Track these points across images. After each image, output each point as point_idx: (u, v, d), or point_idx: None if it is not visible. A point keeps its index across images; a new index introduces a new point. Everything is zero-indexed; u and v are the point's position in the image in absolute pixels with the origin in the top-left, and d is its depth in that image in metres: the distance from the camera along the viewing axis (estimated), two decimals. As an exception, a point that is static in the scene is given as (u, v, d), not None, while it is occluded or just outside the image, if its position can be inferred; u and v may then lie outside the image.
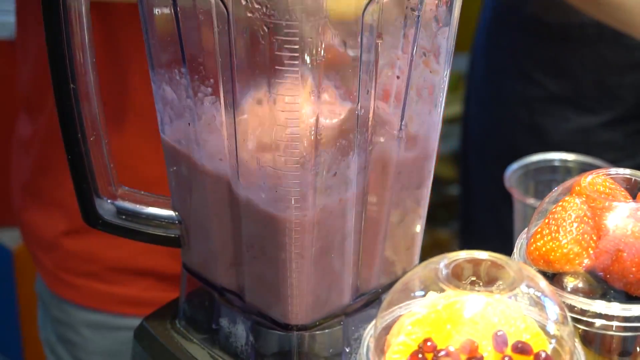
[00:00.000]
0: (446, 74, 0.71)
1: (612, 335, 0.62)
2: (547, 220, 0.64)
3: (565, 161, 1.13)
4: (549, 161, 1.13)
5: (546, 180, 1.12)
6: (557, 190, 0.66)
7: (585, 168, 1.09)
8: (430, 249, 0.70)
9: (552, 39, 1.47)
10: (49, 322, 1.08)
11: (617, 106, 1.48)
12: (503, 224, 1.33)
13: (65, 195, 0.97)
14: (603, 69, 1.46)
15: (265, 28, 0.62)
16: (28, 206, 1.06)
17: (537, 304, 0.58)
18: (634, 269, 0.61)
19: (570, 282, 0.63)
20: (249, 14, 0.62)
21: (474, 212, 1.67)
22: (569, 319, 0.59)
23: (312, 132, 0.65)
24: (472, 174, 1.66)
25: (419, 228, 0.77)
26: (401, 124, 0.70)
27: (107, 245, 1.00)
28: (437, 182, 1.34)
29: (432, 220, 1.52)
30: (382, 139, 0.70)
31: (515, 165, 1.12)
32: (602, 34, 1.43)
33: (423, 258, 0.78)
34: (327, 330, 0.73)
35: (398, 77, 0.69)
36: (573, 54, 1.46)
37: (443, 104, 0.73)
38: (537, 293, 0.58)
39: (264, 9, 0.62)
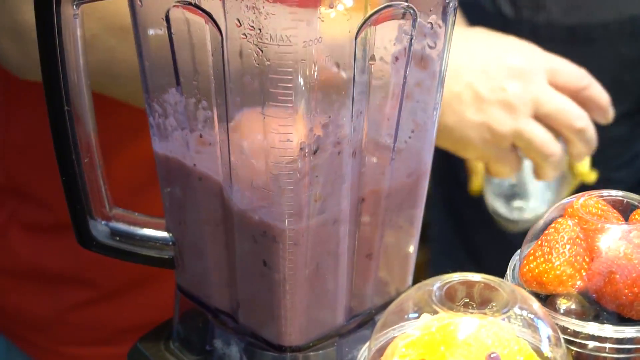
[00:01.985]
0: (439, 95, 0.72)
1: (605, 357, 0.62)
2: (539, 242, 0.64)
3: None
4: None
5: None
6: (549, 211, 0.66)
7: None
8: (424, 268, 0.71)
9: (569, 42, 1.45)
10: None
11: (629, 101, 1.47)
12: None
13: (67, 267, 0.96)
14: (620, 66, 1.46)
15: (258, 51, 0.63)
16: (11, 289, 1.02)
17: (530, 325, 0.59)
18: (626, 290, 0.61)
19: (563, 303, 0.63)
20: (243, 37, 0.62)
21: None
22: (562, 340, 0.59)
23: (306, 154, 0.65)
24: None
25: (412, 248, 0.77)
26: (394, 145, 0.70)
27: (114, 309, 0.99)
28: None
29: (425, 239, 1.53)
30: (375, 160, 0.71)
31: None
32: (623, 31, 1.43)
33: (416, 276, 0.78)
34: (320, 352, 0.73)
35: (391, 99, 0.69)
36: (591, 55, 1.44)
37: (436, 124, 0.73)
38: (530, 315, 0.58)
39: (257, 32, 0.62)
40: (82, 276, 0.98)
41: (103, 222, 0.74)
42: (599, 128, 1.40)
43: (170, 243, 0.75)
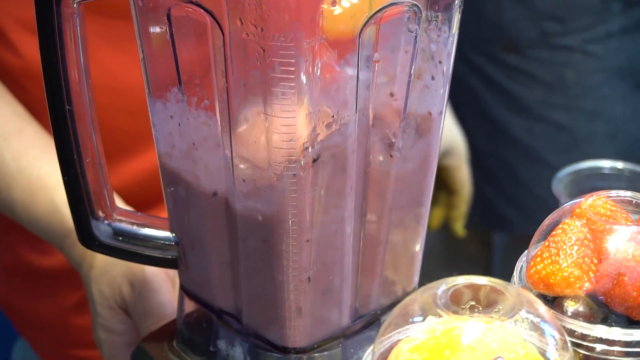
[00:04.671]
0: (445, 93, 0.71)
1: (613, 360, 0.61)
2: (547, 243, 0.63)
3: (616, 169, 1.12)
4: (598, 168, 1.12)
5: (597, 187, 1.10)
6: (557, 212, 0.65)
7: (634, 178, 1.09)
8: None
9: None
10: None
11: None
12: None
13: (65, 266, 0.95)
14: None
15: (260, 49, 0.62)
16: (15, 288, 1.03)
17: (537, 329, 0.58)
18: (635, 293, 0.60)
19: (570, 306, 0.62)
20: (245, 36, 0.62)
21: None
22: (569, 344, 0.58)
23: (309, 153, 0.64)
24: None
25: (418, 247, 0.76)
26: (400, 143, 0.69)
27: None
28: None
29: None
30: (380, 158, 0.70)
31: (564, 172, 1.11)
32: None
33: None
34: (325, 353, 0.72)
35: (396, 96, 0.68)
36: None
37: (443, 121, 0.72)
38: (536, 318, 0.57)
39: (260, 31, 0.61)
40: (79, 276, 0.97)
41: (105, 222, 0.73)
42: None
43: (174, 243, 0.74)
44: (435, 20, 0.66)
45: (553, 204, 1.49)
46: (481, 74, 1.56)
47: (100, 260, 0.82)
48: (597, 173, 1.11)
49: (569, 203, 0.65)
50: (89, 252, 0.81)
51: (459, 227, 1.50)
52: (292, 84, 0.62)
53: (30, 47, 0.89)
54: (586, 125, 1.52)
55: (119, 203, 0.79)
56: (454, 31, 0.67)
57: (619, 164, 1.10)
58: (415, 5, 0.64)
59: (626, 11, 1.50)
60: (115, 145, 0.94)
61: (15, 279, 1.03)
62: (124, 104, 0.93)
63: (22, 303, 1.03)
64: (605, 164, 1.11)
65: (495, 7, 1.52)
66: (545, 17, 1.49)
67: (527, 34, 1.51)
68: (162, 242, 0.74)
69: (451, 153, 1.40)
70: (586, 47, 1.50)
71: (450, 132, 1.40)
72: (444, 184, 1.45)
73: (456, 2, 0.66)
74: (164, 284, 0.82)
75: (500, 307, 0.57)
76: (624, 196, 0.65)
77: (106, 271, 0.82)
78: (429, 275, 0.68)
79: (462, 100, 1.54)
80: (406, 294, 0.76)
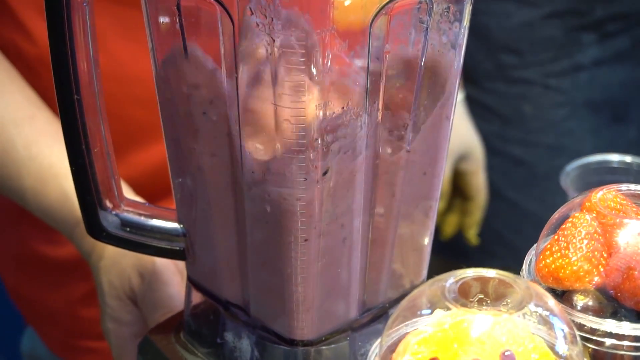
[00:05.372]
0: (456, 86, 0.70)
1: (622, 355, 0.61)
2: (556, 237, 0.63)
3: (624, 162, 1.11)
4: (607, 162, 1.11)
5: (605, 181, 1.10)
6: (566, 205, 0.65)
7: None
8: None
9: None
10: None
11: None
12: None
13: (74, 256, 0.95)
14: None
15: (270, 40, 0.61)
16: (25, 279, 1.03)
17: (546, 322, 0.57)
18: (645, 287, 0.60)
19: (580, 300, 0.61)
20: (255, 26, 0.61)
21: None
22: (578, 338, 0.58)
23: (318, 144, 0.64)
24: None
25: (427, 240, 0.76)
26: (409, 136, 0.69)
27: None
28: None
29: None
30: (389, 150, 0.69)
31: (572, 165, 1.10)
32: None
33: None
34: (333, 346, 0.72)
35: (406, 89, 0.68)
36: None
37: (453, 114, 0.72)
38: (545, 312, 0.57)
39: (270, 21, 0.61)
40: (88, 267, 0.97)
41: (113, 213, 0.73)
42: (532, 27, 1.45)
43: (181, 234, 0.74)
44: (447, 12, 0.66)
45: (511, 237, 1.49)
46: None
47: (110, 250, 0.82)
48: (605, 167, 1.11)
49: (578, 196, 0.65)
50: (99, 243, 0.81)
51: (473, 235, 1.47)
52: (302, 75, 0.62)
53: (44, 34, 0.89)
54: (547, 161, 1.48)
55: (127, 194, 0.79)
56: (465, 23, 0.67)
57: (628, 158, 1.10)
58: (427, -5, 0.64)
59: (603, 42, 1.46)
60: (124, 135, 0.94)
61: (25, 269, 1.03)
62: (134, 94, 0.93)
63: (32, 293, 1.03)
64: (614, 157, 1.10)
65: None
66: (502, 49, 1.47)
67: (483, 66, 1.48)
68: (169, 233, 0.74)
69: (468, 158, 1.38)
70: (548, 80, 1.46)
71: (467, 137, 1.38)
72: (459, 190, 1.43)
73: (467, -7, 0.66)
74: (174, 276, 0.82)
75: (508, 300, 0.57)
76: (634, 190, 0.65)
77: (116, 262, 0.82)
78: (436, 268, 0.68)
79: None
80: (414, 287, 0.75)
